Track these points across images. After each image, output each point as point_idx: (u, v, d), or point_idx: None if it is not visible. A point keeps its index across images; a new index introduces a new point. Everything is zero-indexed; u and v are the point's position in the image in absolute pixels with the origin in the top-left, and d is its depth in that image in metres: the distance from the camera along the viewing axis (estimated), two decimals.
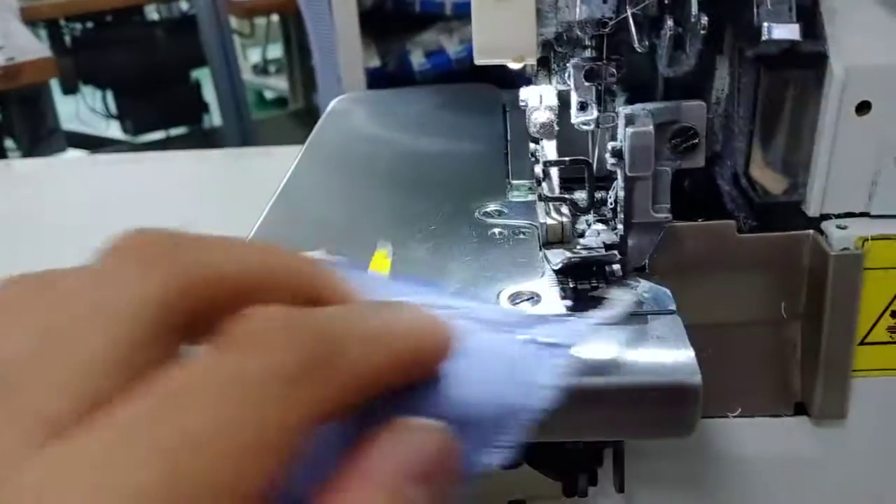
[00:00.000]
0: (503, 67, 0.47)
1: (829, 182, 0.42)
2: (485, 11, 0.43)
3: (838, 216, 0.43)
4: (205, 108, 3.32)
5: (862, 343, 0.43)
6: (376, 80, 1.67)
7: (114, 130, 3.44)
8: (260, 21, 3.62)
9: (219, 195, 1.15)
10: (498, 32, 0.44)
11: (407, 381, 0.26)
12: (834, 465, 0.46)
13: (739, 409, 0.45)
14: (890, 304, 0.43)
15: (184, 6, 3.24)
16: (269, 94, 4.12)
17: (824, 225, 0.43)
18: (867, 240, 0.41)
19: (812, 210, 0.43)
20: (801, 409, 0.45)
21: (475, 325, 0.28)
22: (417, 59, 1.69)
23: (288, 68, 3.56)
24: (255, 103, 3.98)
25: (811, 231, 0.43)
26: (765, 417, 0.45)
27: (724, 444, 0.45)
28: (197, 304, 0.23)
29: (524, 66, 0.48)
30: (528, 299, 0.40)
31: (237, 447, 0.19)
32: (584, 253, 0.43)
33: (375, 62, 1.70)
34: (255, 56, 4.02)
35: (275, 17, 3.49)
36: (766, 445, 0.45)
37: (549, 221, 0.45)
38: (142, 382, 0.20)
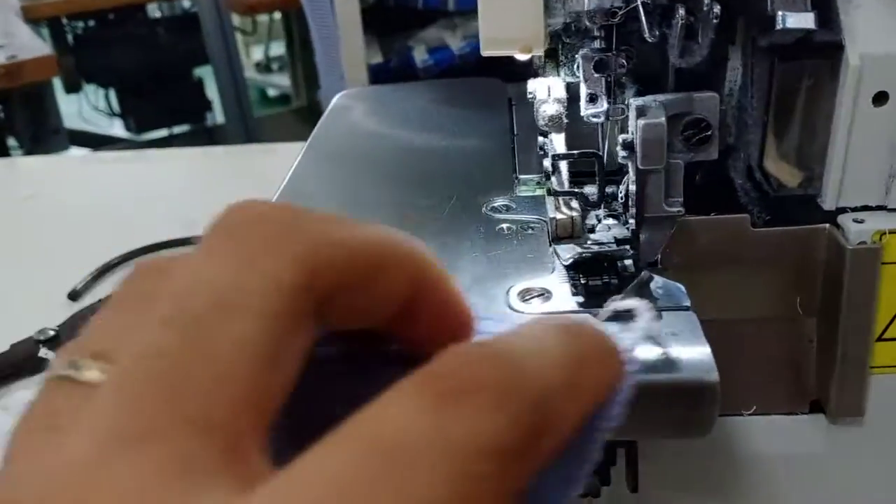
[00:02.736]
0: (507, 62, 0.46)
1: (846, 175, 0.41)
2: (491, 2, 0.42)
3: (855, 209, 0.42)
4: (207, 105, 3.31)
5: (879, 339, 0.42)
6: (379, 76, 1.66)
7: (117, 129, 3.44)
8: (262, 18, 3.61)
9: (223, 192, 1.13)
10: (505, 23, 0.43)
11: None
12: (851, 464, 0.45)
13: (754, 407, 0.44)
14: None
15: (186, 4, 3.24)
16: (271, 92, 4.11)
17: (840, 218, 0.42)
18: (885, 233, 0.40)
19: (828, 203, 0.42)
20: (816, 407, 0.44)
21: None
22: (420, 56, 1.68)
23: (290, 65, 3.56)
24: (258, 100, 3.98)
25: (827, 225, 0.42)
26: (780, 415, 0.44)
27: (739, 442, 0.44)
28: (329, 283, 0.21)
29: (531, 59, 0.47)
30: (538, 295, 0.39)
31: None
32: (596, 248, 0.42)
33: (378, 58, 1.69)
34: (257, 53, 4.01)
35: (277, 15, 3.48)
36: (782, 444, 0.45)
37: (559, 216, 0.44)
38: (350, 426, 0.18)
